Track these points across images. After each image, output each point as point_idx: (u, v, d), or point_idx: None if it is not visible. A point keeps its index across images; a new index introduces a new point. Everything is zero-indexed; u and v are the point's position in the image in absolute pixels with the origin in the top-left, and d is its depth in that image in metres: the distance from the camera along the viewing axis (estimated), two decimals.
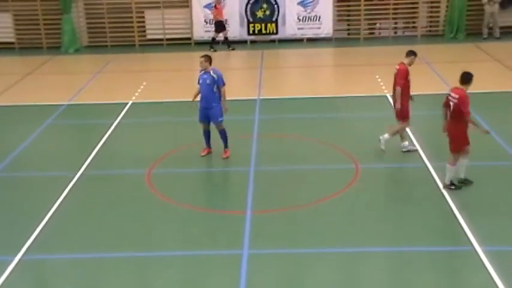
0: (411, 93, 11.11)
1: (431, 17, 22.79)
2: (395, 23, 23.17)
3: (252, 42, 21.89)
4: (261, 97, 15.42)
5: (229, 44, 21.22)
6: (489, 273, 7.64)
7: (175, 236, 8.97)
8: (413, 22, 22.79)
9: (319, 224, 9.09)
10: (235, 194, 10.19)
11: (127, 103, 15.13)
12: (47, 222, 9.31)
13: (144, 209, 9.74)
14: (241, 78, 18.66)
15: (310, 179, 10.63)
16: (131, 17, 22.22)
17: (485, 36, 21.52)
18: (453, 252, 8.27)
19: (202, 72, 11.22)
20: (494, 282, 7.46)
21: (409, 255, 8.23)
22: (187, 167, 11.30)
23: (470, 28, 21.94)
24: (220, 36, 21.38)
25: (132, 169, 11.24)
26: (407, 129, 11.67)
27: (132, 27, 22.31)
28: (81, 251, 8.59)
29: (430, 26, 22.81)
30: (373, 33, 23.02)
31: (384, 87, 15.73)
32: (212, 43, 21.10)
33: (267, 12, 21.74)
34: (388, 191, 10.08)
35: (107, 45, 22.32)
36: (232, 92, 16.44)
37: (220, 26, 21.06)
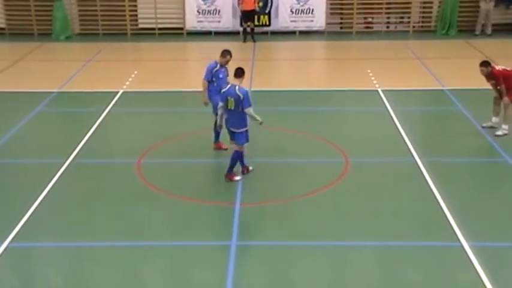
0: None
1: (424, 12, 22.85)
2: (388, 18, 23.21)
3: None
4: (252, 89, 15.39)
5: (253, 36, 20.97)
6: (475, 268, 7.69)
7: (163, 226, 8.97)
8: (407, 17, 22.85)
9: (308, 217, 9.11)
10: (225, 185, 10.17)
11: (118, 92, 15.07)
12: (34, 210, 9.26)
13: (133, 199, 9.71)
14: (233, 69, 18.60)
15: (299, 172, 10.64)
16: (123, 6, 22.09)
17: (477, 33, 21.61)
18: (440, 248, 8.31)
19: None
20: (480, 277, 7.51)
21: (396, 250, 8.27)
22: (177, 157, 11.28)
23: (462, 25, 22.02)
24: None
25: (122, 158, 11.20)
26: None
27: (124, 15, 22.20)
28: (68, 239, 8.56)
29: (423, 22, 22.87)
30: (369, 27, 23.02)
31: (375, 82, 15.77)
32: (244, 33, 20.99)
33: (260, 4, 21.69)
34: (377, 185, 10.11)
35: (98, 34, 22.20)
36: None
37: (245, 16, 20.89)
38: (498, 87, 12.03)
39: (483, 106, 12.67)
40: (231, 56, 11.20)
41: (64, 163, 10.90)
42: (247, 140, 10.12)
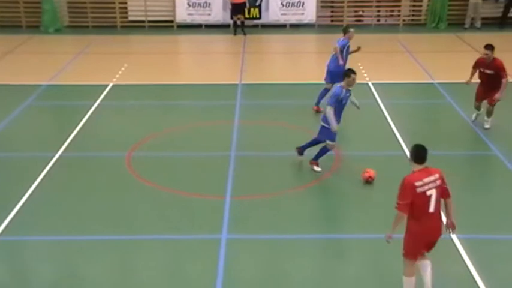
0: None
1: (414, 6, 22.90)
2: (378, 11, 23.23)
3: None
4: (242, 82, 15.38)
5: (243, 29, 20.96)
6: (464, 261, 7.76)
7: (154, 220, 8.96)
8: (397, 11, 22.88)
9: (298, 211, 9.14)
10: (215, 179, 10.18)
11: (107, 85, 15.01)
12: (24, 204, 9.24)
13: (123, 192, 9.70)
14: (223, 63, 18.58)
15: (290, 165, 10.66)
16: None
17: (467, 27, 21.69)
18: None
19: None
20: (469, 269, 7.58)
21: (386, 243, 8.29)
22: (167, 150, 11.27)
23: (452, 18, 22.09)
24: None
25: (112, 152, 11.18)
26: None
27: (114, 8, 22.07)
28: (58, 233, 8.54)
29: (413, 15, 22.92)
30: (359, 20, 23.04)
31: (365, 75, 15.79)
32: (235, 27, 20.94)
33: None
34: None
35: (88, 26, 22.06)
36: (214, 76, 16.43)
37: (235, 9, 20.87)
38: (502, 80, 11.59)
39: (472, 99, 12.72)
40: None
41: (54, 157, 10.86)
42: (329, 138, 10.08)
